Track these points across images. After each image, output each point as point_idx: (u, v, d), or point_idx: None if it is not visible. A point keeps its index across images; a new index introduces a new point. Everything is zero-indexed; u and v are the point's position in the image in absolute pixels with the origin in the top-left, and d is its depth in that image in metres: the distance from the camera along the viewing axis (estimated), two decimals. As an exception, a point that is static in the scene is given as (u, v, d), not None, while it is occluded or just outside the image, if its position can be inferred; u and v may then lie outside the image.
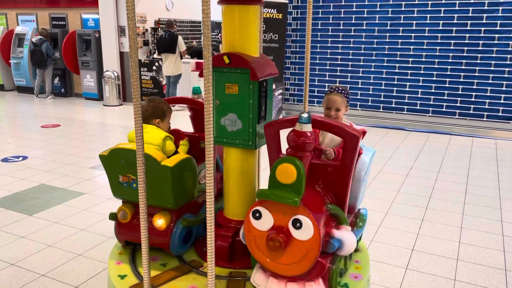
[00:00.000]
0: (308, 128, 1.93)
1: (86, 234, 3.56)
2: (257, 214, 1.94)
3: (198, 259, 2.39)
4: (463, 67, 7.41)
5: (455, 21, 7.34)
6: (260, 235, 1.94)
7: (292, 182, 1.86)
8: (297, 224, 1.85)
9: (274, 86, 8.23)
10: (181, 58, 8.89)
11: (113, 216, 2.43)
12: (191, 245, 2.51)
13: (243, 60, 2.11)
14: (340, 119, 2.39)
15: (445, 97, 7.63)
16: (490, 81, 7.26)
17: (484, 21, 7.14)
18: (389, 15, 7.80)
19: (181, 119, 2.69)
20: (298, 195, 1.84)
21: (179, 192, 2.33)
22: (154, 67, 9.55)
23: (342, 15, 8.19)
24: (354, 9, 8.07)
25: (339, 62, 8.37)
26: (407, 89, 7.92)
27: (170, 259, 2.39)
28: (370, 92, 8.21)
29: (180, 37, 8.72)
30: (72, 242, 3.42)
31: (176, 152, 2.44)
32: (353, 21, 8.11)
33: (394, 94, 8.04)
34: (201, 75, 2.25)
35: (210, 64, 1.65)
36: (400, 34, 7.79)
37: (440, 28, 7.46)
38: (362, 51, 8.09)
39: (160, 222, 2.30)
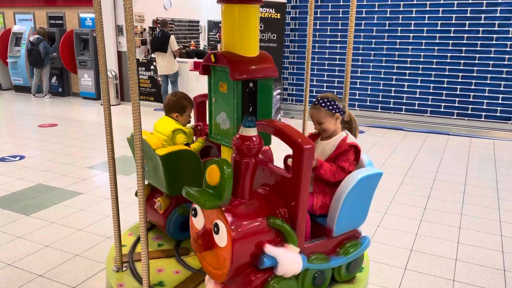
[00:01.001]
0: (253, 132, 1.83)
1: (84, 234, 3.54)
2: (193, 212, 1.93)
3: (190, 247, 2.49)
4: (461, 67, 7.42)
5: (453, 22, 7.35)
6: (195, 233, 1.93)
7: (216, 185, 1.77)
8: (215, 229, 1.79)
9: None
10: (174, 58, 8.84)
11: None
12: None
13: (225, 58, 2.10)
14: (329, 131, 2.24)
15: (443, 97, 7.64)
16: (488, 81, 7.27)
17: (482, 22, 7.15)
18: (388, 15, 7.81)
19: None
20: (217, 199, 1.75)
21: (175, 181, 2.44)
22: (152, 67, 9.52)
23: (340, 15, 8.19)
24: (352, 9, 8.05)
25: (337, 62, 8.37)
26: (405, 89, 7.92)
27: (170, 242, 2.58)
28: (368, 92, 8.21)
29: (172, 37, 8.66)
30: (69, 242, 3.40)
31: (187, 145, 2.61)
32: (352, 21, 8.09)
33: (392, 94, 8.04)
34: (201, 72, 2.27)
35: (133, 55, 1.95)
36: (399, 34, 7.79)
37: (439, 28, 7.47)
38: (361, 51, 8.09)
39: (157, 204, 2.52)
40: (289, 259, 1.85)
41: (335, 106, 2.23)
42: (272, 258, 1.83)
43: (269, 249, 1.84)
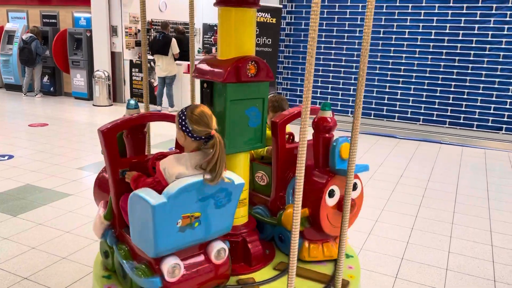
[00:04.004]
0: (136, 112, 2.24)
1: (71, 236, 3.48)
2: None
3: None
4: (454, 76, 7.47)
5: (447, 31, 7.40)
6: None
7: None
8: None
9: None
10: (175, 60, 8.84)
11: None
12: None
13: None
14: (179, 143, 2.04)
15: (436, 106, 7.68)
16: (480, 91, 7.32)
17: (475, 32, 7.21)
18: (382, 23, 7.84)
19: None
20: None
21: None
22: (145, 68, 9.46)
23: (335, 22, 8.21)
24: (347, 16, 8.09)
25: (331, 68, 8.38)
26: (399, 97, 7.95)
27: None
28: (362, 99, 8.21)
29: (174, 40, 8.67)
30: (56, 244, 3.34)
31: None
32: (347, 28, 8.13)
33: (386, 101, 8.07)
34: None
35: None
36: (393, 42, 7.83)
37: (432, 37, 7.51)
38: (355, 58, 8.11)
39: None
40: (95, 217, 2.24)
41: (183, 123, 1.91)
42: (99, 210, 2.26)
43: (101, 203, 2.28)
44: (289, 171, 2.44)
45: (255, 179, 2.65)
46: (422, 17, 7.54)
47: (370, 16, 1.90)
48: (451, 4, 7.32)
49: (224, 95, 2.12)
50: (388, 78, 7.97)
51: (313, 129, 2.33)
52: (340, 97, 8.38)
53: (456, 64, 7.41)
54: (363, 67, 1.99)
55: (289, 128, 2.74)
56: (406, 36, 7.71)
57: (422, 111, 7.80)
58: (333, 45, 8.29)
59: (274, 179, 2.46)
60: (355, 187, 2.36)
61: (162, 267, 1.86)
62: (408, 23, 7.66)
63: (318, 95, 8.58)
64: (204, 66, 2.26)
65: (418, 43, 7.63)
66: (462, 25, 7.28)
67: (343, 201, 2.24)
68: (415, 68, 7.72)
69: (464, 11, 7.23)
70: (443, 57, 7.49)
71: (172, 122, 2.13)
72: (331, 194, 2.27)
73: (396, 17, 7.74)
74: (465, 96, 7.44)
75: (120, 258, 2.07)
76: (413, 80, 7.77)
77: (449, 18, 7.36)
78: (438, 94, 7.63)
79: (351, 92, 8.24)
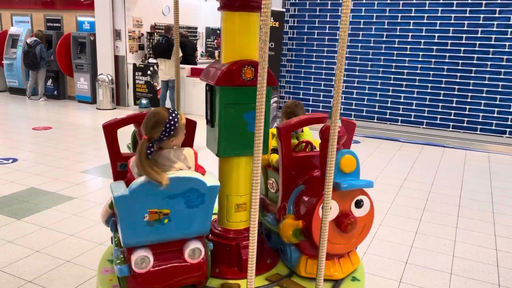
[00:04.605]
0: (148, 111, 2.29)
1: (75, 240, 3.49)
2: None
3: None
4: (458, 80, 7.45)
5: (450, 34, 7.40)
6: None
7: None
8: None
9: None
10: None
11: None
12: None
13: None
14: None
15: (439, 110, 7.66)
16: (484, 95, 7.30)
17: (479, 35, 7.20)
18: (385, 27, 7.84)
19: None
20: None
21: None
22: (148, 72, 9.50)
23: (338, 25, 8.20)
24: (350, 20, 8.09)
25: (334, 72, 8.36)
26: (402, 100, 7.94)
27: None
28: (365, 103, 8.22)
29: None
30: (60, 248, 3.35)
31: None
32: (349, 31, 8.13)
33: (389, 105, 8.06)
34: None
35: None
36: (396, 45, 7.82)
37: (436, 40, 7.51)
38: (358, 62, 8.12)
39: None
40: (103, 205, 2.27)
41: None
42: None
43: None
44: (296, 180, 2.36)
45: (267, 186, 2.64)
46: (425, 21, 7.54)
47: (345, 25, 1.85)
48: (454, 8, 7.31)
49: (219, 98, 2.14)
50: (391, 82, 7.96)
51: (320, 138, 2.20)
52: (342, 100, 8.37)
53: (459, 67, 7.40)
54: (339, 72, 1.91)
55: (310, 135, 2.73)
56: (409, 39, 7.70)
57: (426, 114, 7.78)
58: (336, 49, 8.30)
59: (280, 188, 2.41)
60: (360, 204, 2.25)
61: (131, 257, 1.93)
62: (411, 27, 7.66)
63: (321, 98, 8.58)
64: (208, 69, 2.29)
65: (421, 46, 7.63)
66: (465, 28, 7.28)
67: (342, 218, 2.16)
68: (418, 71, 7.72)
69: (468, 15, 7.23)
70: (447, 60, 7.48)
71: None
72: None
73: (399, 20, 7.74)
74: (468, 100, 7.42)
75: (113, 245, 2.17)
76: (416, 83, 7.76)
77: (452, 21, 7.35)
78: (441, 98, 7.62)
79: (354, 96, 8.24)
